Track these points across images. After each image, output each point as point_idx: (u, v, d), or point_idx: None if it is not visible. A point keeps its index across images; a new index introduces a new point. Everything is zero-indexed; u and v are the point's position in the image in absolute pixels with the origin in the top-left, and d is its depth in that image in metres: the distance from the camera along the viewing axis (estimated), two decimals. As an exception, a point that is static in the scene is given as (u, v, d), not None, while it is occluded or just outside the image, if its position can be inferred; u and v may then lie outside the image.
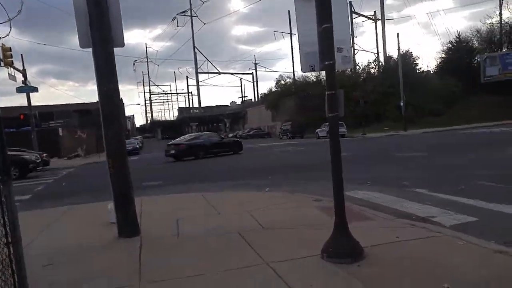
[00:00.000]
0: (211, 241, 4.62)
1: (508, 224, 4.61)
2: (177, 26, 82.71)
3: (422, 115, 39.03)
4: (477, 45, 46.58)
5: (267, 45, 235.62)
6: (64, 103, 53.74)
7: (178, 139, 23.69)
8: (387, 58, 49.27)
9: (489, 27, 46.71)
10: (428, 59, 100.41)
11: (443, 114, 38.49)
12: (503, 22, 44.61)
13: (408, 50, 46.68)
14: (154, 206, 7.17)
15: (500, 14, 44.24)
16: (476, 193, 6.32)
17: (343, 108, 3.77)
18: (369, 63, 52.38)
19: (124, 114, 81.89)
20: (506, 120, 31.05)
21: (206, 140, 22.53)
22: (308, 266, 3.53)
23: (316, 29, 3.60)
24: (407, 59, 42.95)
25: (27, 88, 24.60)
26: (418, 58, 48.01)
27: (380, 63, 51.44)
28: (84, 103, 50.48)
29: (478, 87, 40.13)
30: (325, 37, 3.53)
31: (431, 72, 48.46)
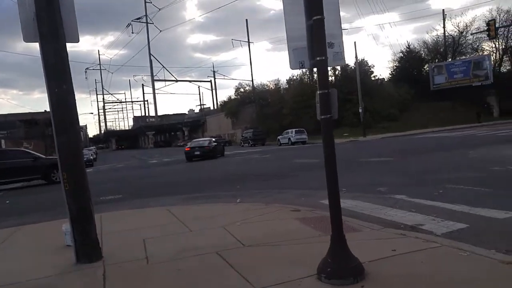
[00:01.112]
0: (187, 264, 4.07)
1: (501, 230, 4.46)
2: (132, 32, 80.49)
3: (379, 121, 40.31)
4: (425, 55, 49.41)
5: (223, 54, 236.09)
6: (7, 113, 50.44)
7: (196, 143, 27.77)
8: (344, 66, 50.57)
9: (434, 38, 49.85)
10: (380, 68, 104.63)
11: (397, 120, 40.03)
12: (446, 34, 47.74)
13: (364, 59, 48.33)
14: (116, 224, 6.46)
15: (444, 27, 47.43)
16: (456, 197, 6.23)
17: (337, 109, 3.40)
18: (326, 71, 53.42)
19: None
20: (457, 125, 32.82)
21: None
22: (305, 291, 3.10)
23: (305, 22, 3.23)
24: (363, 67, 44.33)
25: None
26: (373, 66, 49.77)
27: (337, 71, 52.73)
28: (30, 113, 47.54)
29: (428, 94, 42.35)
30: (315, 30, 3.16)
31: (385, 80, 50.39)
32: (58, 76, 4.29)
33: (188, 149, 26.37)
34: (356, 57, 39.68)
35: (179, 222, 6.23)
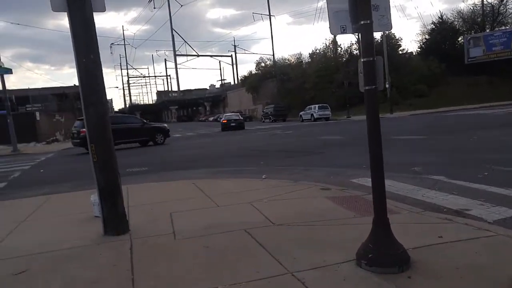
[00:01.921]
0: (215, 241, 3.92)
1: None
2: (154, 8, 79.92)
3: (406, 97, 38.90)
4: (459, 26, 46.52)
5: (243, 28, 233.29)
6: (41, 87, 52.08)
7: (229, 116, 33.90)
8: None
9: (471, 8, 46.64)
10: (408, 42, 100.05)
11: (427, 96, 38.45)
12: (485, 2, 44.58)
13: (391, 32, 46.23)
14: (143, 197, 6.39)
15: (482, -6, 44.14)
16: (505, 181, 5.69)
17: (382, 79, 3.07)
18: (351, 44, 51.72)
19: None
20: (495, 102, 31.15)
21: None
22: (346, 277, 2.87)
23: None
24: (390, 40, 42.49)
25: (1, 70, 22.88)
26: (401, 39, 47.66)
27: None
28: (61, 87, 48.93)
29: (462, 69, 40.17)
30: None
31: (414, 54, 48.26)
32: (86, 46, 4.16)
33: (225, 121, 31.68)
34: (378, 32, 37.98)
35: (205, 196, 6.10)
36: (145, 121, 21.45)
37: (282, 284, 2.87)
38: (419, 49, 48.24)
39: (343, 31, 3.10)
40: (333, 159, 9.93)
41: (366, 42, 2.97)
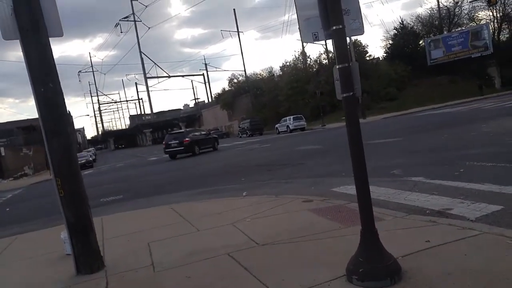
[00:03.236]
0: (197, 270, 3.69)
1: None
2: (121, 32, 79.44)
3: (377, 102, 39.80)
4: (419, 30, 48.34)
5: (212, 47, 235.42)
6: (5, 121, 50.82)
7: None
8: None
9: (428, 12, 48.71)
10: (373, 48, 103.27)
11: (396, 99, 39.47)
12: (441, 5, 46.64)
13: (357, 39, 47.45)
14: (118, 227, 6.06)
15: (438, -2, 46.17)
16: (480, 176, 5.76)
17: (359, 85, 2.98)
18: (320, 54, 52.74)
19: (73, 126, 77.37)
20: (458, 99, 32.26)
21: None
22: (338, 297, 2.71)
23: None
24: (357, 47, 43.59)
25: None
26: (368, 46, 49.01)
27: (331, 53, 51.95)
28: (27, 119, 47.69)
29: (426, 70, 41.63)
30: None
31: (381, 59, 49.62)
32: (43, 74, 3.91)
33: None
34: (350, 38, 39.00)
35: (184, 221, 5.85)
36: (209, 132, 28.27)
37: (271, 311, 2.68)
38: (385, 54, 49.75)
39: (316, 38, 3.01)
40: (313, 169, 9.86)
41: (339, 47, 2.89)
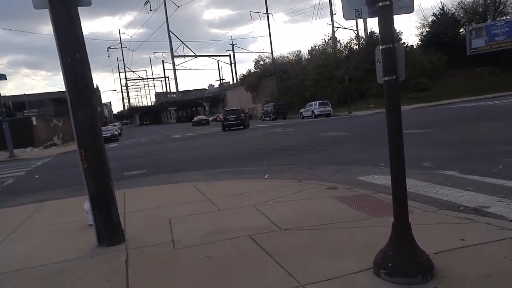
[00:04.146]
0: (218, 250, 3.62)
1: None
2: (150, 10, 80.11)
3: (407, 91, 38.54)
4: (461, 17, 45.92)
5: (239, 28, 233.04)
6: (38, 92, 52.37)
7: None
8: (370, 34, 48.23)
9: (472, -2, 46.03)
10: (407, 35, 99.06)
11: (429, 89, 38.04)
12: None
13: (391, 26, 45.63)
14: (140, 202, 6.09)
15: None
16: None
17: (404, 68, 2.76)
18: (351, 40, 51.32)
19: (100, 99, 79.02)
20: (498, 92, 30.71)
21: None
22: (364, 290, 2.57)
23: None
24: (390, 34, 42.00)
25: (-5, 76, 22.64)
26: (402, 33, 47.12)
27: (362, 40, 50.42)
28: (58, 92, 48.87)
29: (464, 60, 39.70)
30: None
31: (415, 47, 47.80)
32: (71, 45, 3.85)
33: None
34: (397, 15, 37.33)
35: (206, 199, 5.81)
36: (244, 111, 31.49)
37: (293, 299, 2.57)
38: (420, 42, 47.74)
39: (358, 16, 2.79)
40: (338, 156, 9.63)
41: (385, 26, 2.66)
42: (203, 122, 54.97)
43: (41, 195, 8.22)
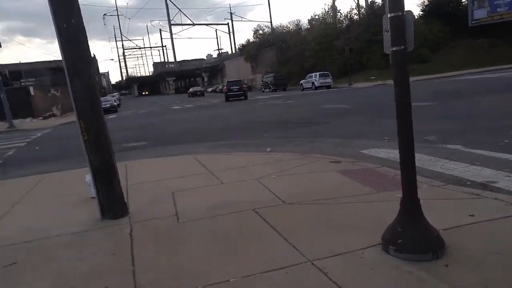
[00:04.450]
0: (222, 224, 3.59)
1: None
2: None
3: (409, 63, 37.96)
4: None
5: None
6: (34, 61, 51.19)
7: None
8: (371, 3, 47.04)
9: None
10: (409, 5, 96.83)
11: (429, 61, 37.49)
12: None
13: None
14: (142, 174, 6.05)
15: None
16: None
17: (413, 38, 2.64)
18: (351, 9, 50.13)
19: (98, 69, 77.81)
20: (496, 65, 30.30)
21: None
22: (373, 266, 2.55)
23: None
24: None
25: (-14, 43, 22.11)
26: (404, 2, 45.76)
27: (363, 9, 49.22)
28: (55, 61, 47.75)
29: (466, 32, 38.94)
30: None
31: (416, 17, 46.72)
32: (65, 9, 3.66)
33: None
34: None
35: (208, 172, 5.77)
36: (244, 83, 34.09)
37: (301, 275, 2.54)
38: (421, 12, 46.65)
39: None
40: (340, 129, 9.54)
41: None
42: (198, 93, 55.74)
43: (42, 166, 8.17)
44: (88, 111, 3.87)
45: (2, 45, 23.01)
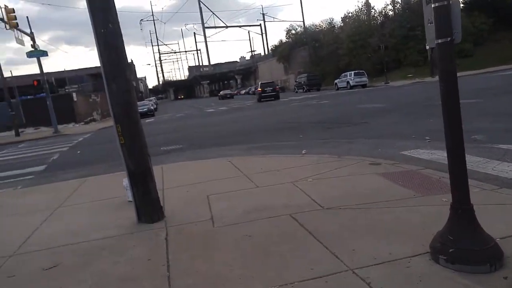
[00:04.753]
0: (258, 229, 3.49)
1: None
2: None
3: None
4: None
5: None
6: (77, 68, 53.52)
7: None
8: (407, -2, 45.47)
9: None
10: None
11: (472, 56, 35.69)
12: None
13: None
14: (178, 177, 6.07)
15: None
16: None
17: (460, 29, 2.43)
18: (386, 5, 48.76)
19: (135, 73, 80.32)
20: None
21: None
22: (422, 277, 2.35)
23: None
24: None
25: (36, 53, 23.17)
26: (442, -4, 43.85)
27: (398, 5, 47.71)
28: (95, 67, 49.76)
29: (510, 23, 36.75)
30: None
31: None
32: (104, 15, 3.71)
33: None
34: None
35: (243, 175, 5.70)
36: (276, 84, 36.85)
37: (342, 284, 2.40)
38: (463, 5, 44.56)
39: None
40: (378, 130, 9.21)
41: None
42: (228, 96, 58.23)
43: (83, 170, 8.45)
44: (124, 116, 3.90)
45: (48, 54, 24.06)
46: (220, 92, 63.63)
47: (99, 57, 3.79)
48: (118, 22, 3.75)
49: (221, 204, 4.39)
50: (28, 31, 22.94)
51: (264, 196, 4.52)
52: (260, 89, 34.14)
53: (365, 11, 48.99)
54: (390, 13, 47.17)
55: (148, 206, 4.10)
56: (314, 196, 4.24)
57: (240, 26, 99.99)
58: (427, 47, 33.76)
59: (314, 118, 13.74)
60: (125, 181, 4.84)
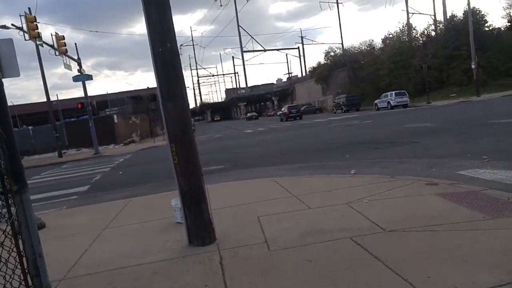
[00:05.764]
0: (317, 253, 3.31)
1: None
2: (220, 5, 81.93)
3: (495, 78, 34.80)
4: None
5: (306, 21, 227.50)
6: (117, 91, 56.03)
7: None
8: (450, 18, 44.30)
9: None
10: (493, 17, 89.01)
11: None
12: None
13: (475, 7, 41.44)
14: (224, 198, 5.99)
15: None
16: None
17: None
18: (428, 26, 47.70)
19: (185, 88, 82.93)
20: None
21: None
22: (518, 313, 2.09)
23: None
24: (474, 16, 38.15)
25: (82, 77, 24.54)
26: (487, 14, 42.52)
27: (440, 24, 46.52)
28: (135, 90, 51.91)
29: None
30: None
31: (502, 29, 42.93)
32: (162, 34, 3.76)
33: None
34: (468, 3, 34.05)
35: (292, 196, 5.54)
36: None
37: (423, 318, 2.17)
38: (509, 24, 42.86)
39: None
40: (429, 149, 8.78)
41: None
42: (253, 117, 66.20)
43: (126, 191, 8.54)
44: (179, 134, 3.89)
45: (92, 78, 25.38)
46: (247, 114, 73.12)
47: (155, 75, 3.83)
48: (176, 41, 3.80)
49: (274, 226, 4.24)
50: (75, 57, 24.34)
51: (318, 218, 4.33)
52: (287, 111, 42.12)
53: (406, 31, 48.31)
54: (433, 33, 46.17)
55: (200, 228, 4.00)
56: (373, 218, 4.01)
57: (278, 50, 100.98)
58: (473, 66, 32.55)
59: (358, 138, 13.38)
60: (174, 202, 4.81)
